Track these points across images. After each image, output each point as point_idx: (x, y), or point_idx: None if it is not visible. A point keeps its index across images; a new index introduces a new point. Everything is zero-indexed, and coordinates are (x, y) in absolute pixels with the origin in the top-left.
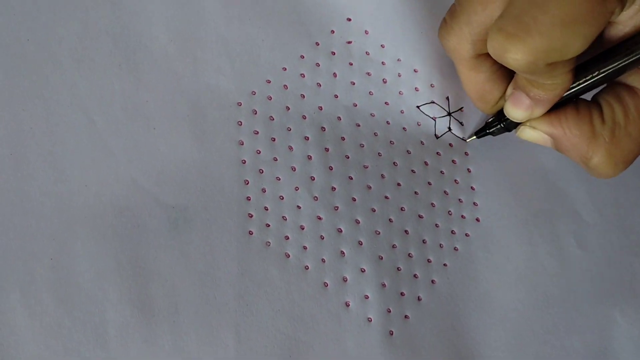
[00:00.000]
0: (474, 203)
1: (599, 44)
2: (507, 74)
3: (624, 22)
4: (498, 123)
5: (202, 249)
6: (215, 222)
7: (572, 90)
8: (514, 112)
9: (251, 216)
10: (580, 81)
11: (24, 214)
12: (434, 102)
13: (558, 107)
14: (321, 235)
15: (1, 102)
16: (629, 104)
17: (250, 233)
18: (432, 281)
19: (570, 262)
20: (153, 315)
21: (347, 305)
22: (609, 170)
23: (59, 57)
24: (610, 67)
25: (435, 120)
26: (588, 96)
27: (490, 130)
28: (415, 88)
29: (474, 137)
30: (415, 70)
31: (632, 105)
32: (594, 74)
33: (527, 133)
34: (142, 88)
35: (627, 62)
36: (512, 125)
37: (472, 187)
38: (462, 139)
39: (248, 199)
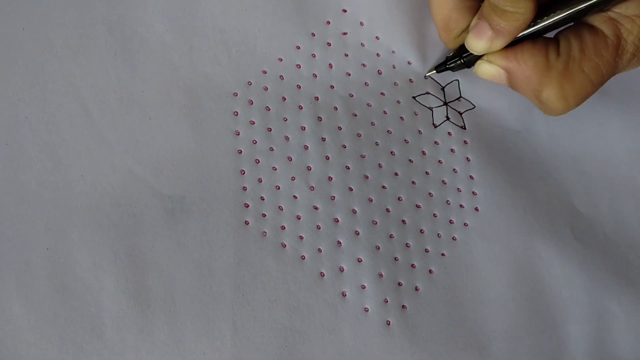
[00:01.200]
0: (473, 192)
1: None
2: (473, 7)
3: None
4: (458, 58)
5: (199, 238)
6: (211, 212)
7: (531, 29)
8: (475, 43)
9: (247, 206)
10: (540, 20)
11: (19, 203)
12: (429, 93)
13: (516, 44)
14: (318, 225)
15: None
16: (587, 41)
17: (247, 223)
18: (430, 271)
19: (567, 253)
20: (149, 305)
21: (344, 295)
22: (559, 104)
23: (55, 46)
24: (570, 8)
25: (432, 110)
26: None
27: (450, 66)
28: (410, 80)
29: (434, 71)
30: (409, 63)
31: (590, 43)
32: (555, 13)
33: (483, 68)
34: (138, 77)
35: (587, 4)
36: (471, 62)
37: (471, 176)
38: (462, 127)
39: (244, 189)
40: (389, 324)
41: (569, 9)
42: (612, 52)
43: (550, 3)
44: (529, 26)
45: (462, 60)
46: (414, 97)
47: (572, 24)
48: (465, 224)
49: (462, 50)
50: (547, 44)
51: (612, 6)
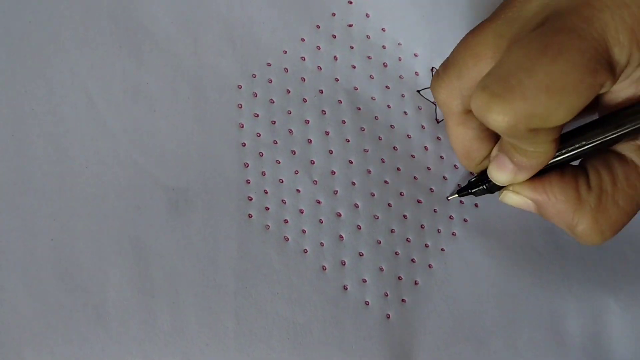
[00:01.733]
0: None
1: (589, 111)
2: (495, 135)
3: (616, 93)
4: (481, 184)
5: (202, 231)
6: (215, 205)
7: (558, 158)
8: (497, 175)
9: (251, 199)
10: (566, 150)
11: (25, 194)
12: None
13: (543, 173)
14: (320, 219)
15: (3, 83)
16: (617, 171)
17: (250, 216)
18: (430, 266)
19: (565, 249)
20: (153, 296)
21: (345, 288)
22: (595, 238)
23: (61, 38)
24: (598, 138)
25: (435, 105)
26: (576, 162)
27: (473, 191)
28: (416, 72)
29: (456, 195)
30: (415, 55)
31: (621, 173)
32: (580, 145)
33: (510, 198)
34: (142, 69)
35: (616, 135)
36: (495, 188)
37: (471, 173)
38: None
39: (248, 181)
40: (388, 317)
41: (596, 139)
42: None
43: (575, 131)
44: (555, 156)
45: (485, 186)
46: (418, 91)
47: (599, 150)
48: (465, 220)
49: (484, 175)
50: (577, 177)
51: None
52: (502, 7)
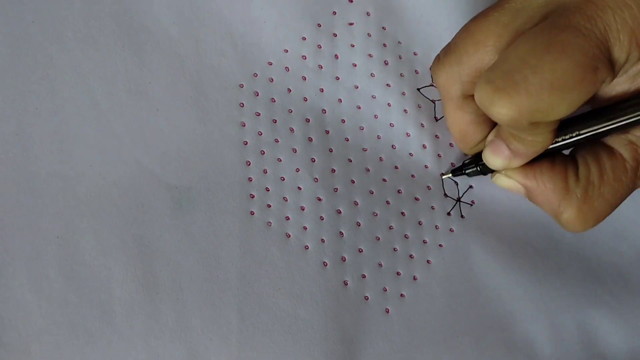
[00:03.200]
0: (470, 186)
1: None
2: (491, 120)
3: (611, 87)
4: (475, 165)
5: (205, 228)
6: (217, 203)
7: (551, 146)
8: (492, 159)
9: (253, 197)
10: (560, 139)
11: (30, 193)
12: (433, 85)
13: (534, 160)
14: (321, 216)
15: (7, 83)
16: (605, 164)
17: (252, 213)
18: (428, 261)
19: (561, 244)
20: (157, 293)
21: (345, 284)
22: (579, 226)
23: (63, 38)
24: (591, 129)
25: (434, 103)
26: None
27: (466, 171)
28: (416, 71)
29: (449, 175)
30: (415, 53)
31: (609, 167)
32: (574, 134)
33: (501, 180)
34: (145, 69)
35: (608, 127)
36: (488, 170)
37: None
38: None
39: (250, 179)
40: (387, 312)
41: (589, 130)
42: (631, 176)
43: (569, 121)
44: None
45: (478, 168)
46: (418, 89)
47: (590, 141)
48: (462, 216)
49: (478, 158)
50: (566, 167)
51: (632, 129)
52: None
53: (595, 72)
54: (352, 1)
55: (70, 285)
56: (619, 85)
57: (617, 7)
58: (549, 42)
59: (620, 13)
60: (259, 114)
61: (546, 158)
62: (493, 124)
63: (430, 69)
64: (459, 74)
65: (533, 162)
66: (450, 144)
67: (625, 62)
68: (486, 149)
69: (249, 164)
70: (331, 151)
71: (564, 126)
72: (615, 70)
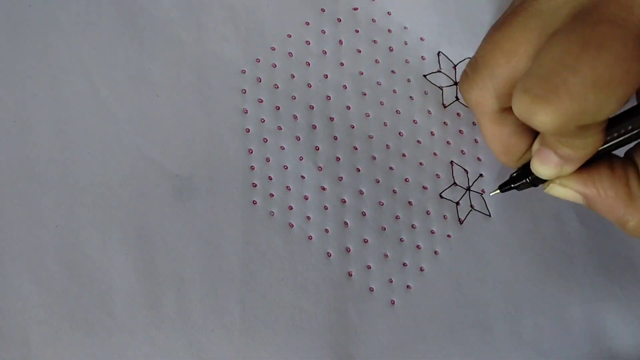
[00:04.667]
0: (480, 174)
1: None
2: (533, 129)
3: None
4: (524, 178)
5: (207, 217)
6: (219, 191)
7: (605, 146)
8: (541, 169)
9: (255, 185)
10: (614, 136)
11: (28, 181)
12: (440, 71)
13: (590, 163)
14: (325, 206)
15: (5, 69)
16: None
17: (255, 202)
18: (435, 252)
19: (571, 236)
20: (158, 283)
21: (350, 275)
22: None
23: (63, 23)
24: None
25: (442, 90)
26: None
27: (516, 185)
28: (422, 57)
29: (498, 191)
30: (421, 39)
31: None
32: (628, 129)
33: (557, 190)
34: (145, 54)
35: None
36: (539, 181)
37: (478, 158)
38: None
39: (252, 168)
40: (393, 304)
41: None
42: None
43: (618, 117)
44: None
45: (528, 180)
46: (424, 76)
47: None
48: (471, 206)
49: (526, 168)
50: (627, 171)
51: None
52: None
53: (639, 62)
54: None
55: (70, 275)
56: None
57: None
58: (585, 39)
59: None
60: (261, 101)
61: (604, 162)
62: (536, 132)
63: (441, 56)
64: (493, 88)
65: (590, 167)
66: (460, 131)
67: None
68: (534, 159)
69: (251, 152)
70: (336, 139)
71: (614, 123)
72: None
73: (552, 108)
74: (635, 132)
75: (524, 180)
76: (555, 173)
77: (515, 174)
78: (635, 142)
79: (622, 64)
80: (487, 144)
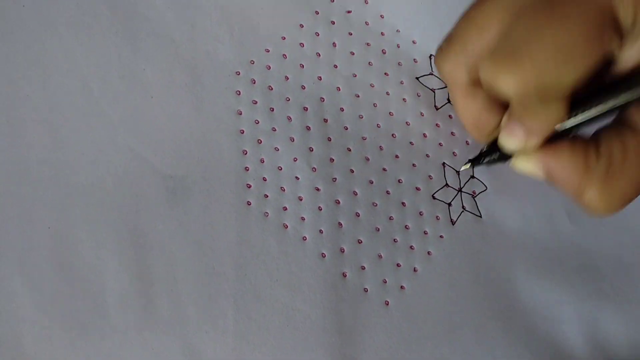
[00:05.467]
0: (471, 176)
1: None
2: (503, 105)
3: (627, 60)
4: (492, 154)
5: (201, 218)
6: (213, 192)
7: (567, 126)
8: (508, 142)
9: (249, 186)
10: (576, 116)
11: (21, 181)
12: (432, 74)
13: (555, 141)
14: (319, 207)
15: None
16: (629, 143)
17: (249, 203)
18: (428, 253)
19: (562, 236)
20: (152, 284)
21: (344, 275)
22: (602, 207)
23: (56, 23)
24: (606, 102)
25: (434, 92)
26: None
27: (485, 161)
28: (414, 59)
29: (468, 165)
30: (413, 42)
31: (633, 145)
32: (589, 109)
33: (521, 165)
34: (139, 55)
35: (624, 99)
36: (506, 157)
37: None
38: None
39: (246, 169)
40: (387, 304)
41: (604, 103)
42: None
43: (587, 96)
44: (566, 122)
45: (496, 156)
46: (417, 78)
47: (612, 120)
48: (463, 207)
49: (494, 145)
50: (587, 145)
51: None
52: None
53: (601, 36)
54: None
55: (63, 277)
56: (632, 58)
57: None
58: (551, 11)
59: None
60: (255, 102)
61: (567, 140)
62: (505, 109)
63: (433, 59)
64: (465, 60)
65: (552, 143)
66: (452, 133)
67: (632, 25)
68: (502, 132)
69: (246, 153)
70: (330, 140)
71: (578, 105)
72: (622, 34)
73: (515, 71)
74: (596, 113)
75: (493, 157)
76: (520, 146)
77: (484, 150)
78: (600, 124)
79: (583, 36)
80: (459, 118)
